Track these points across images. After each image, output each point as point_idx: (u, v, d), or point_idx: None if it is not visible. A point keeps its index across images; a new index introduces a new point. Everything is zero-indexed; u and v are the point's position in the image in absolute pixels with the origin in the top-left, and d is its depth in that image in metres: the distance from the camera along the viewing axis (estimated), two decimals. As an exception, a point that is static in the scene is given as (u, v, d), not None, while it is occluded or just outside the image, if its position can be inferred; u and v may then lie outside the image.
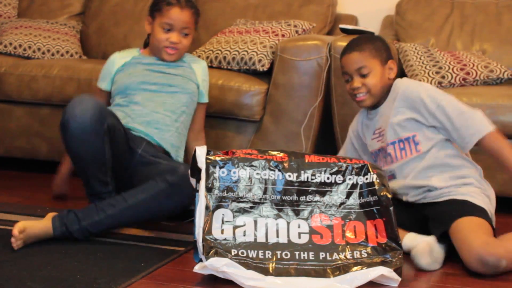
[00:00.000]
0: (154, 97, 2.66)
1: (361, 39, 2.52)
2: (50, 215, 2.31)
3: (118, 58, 2.77)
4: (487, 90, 2.93)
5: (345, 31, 3.03)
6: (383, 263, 2.03)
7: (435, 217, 2.29)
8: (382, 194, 2.12)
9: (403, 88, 2.43)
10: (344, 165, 2.15)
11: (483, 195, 2.33)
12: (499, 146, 2.30)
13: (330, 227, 2.10)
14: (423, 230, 2.27)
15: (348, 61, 2.46)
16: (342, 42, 2.90)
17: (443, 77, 3.00)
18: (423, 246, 2.15)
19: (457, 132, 2.32)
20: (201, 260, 2.00)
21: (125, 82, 2.69)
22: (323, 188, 2.13)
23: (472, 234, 2.15)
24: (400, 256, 2.06)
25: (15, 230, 2.18)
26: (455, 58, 3.12)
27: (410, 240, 2.22)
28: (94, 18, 3.88)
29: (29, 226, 2.22)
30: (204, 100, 2.83)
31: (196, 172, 2.10)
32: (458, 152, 2.38)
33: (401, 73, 3.08)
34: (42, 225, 2.26)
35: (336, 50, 2.90)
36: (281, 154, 2.15)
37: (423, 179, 2.35)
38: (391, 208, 2.11)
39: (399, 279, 2.02)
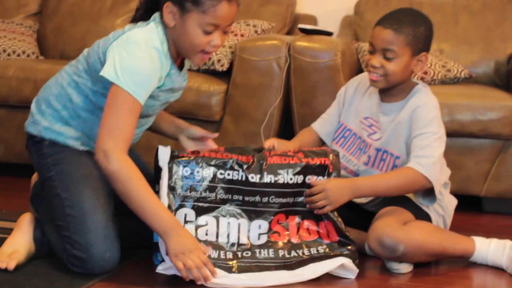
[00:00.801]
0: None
1: (406, 17, 2.21)
2: (25, 224, 2.13)
3: (159, 70, 2.03)
4: (445, 89, 2.95)
5: (304, 31, 3.03)
6: (341, 255, 2.06)
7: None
8: None
9: (419, 109, 2.22)
10: (305, 164, 2.14)
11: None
12: (395, 174, 2.19)
13: (286, 226, 2.11)
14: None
15: (379, 35, 2.20)
16: (301, 42, 2.91)
17: (401, 76, 3.02)
18: None
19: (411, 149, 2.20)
20: (163, 261, 1.99)
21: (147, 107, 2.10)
22: (285, 189, 2.12)
23: (381, 217, 2.17)
24: (354, 249, 2.10)
25: (11, 266, 2.00)
26: (413, 58, 3.14)
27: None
28: (51, 18, 3.82)
29: (20, 260, 2.05)
30: None
31: (157, 172, 2.08)
32: None
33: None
34: (29, 252, 2.09)
35: (295, 50, 2.90)
36: (246, 155, 2.13)
37: None
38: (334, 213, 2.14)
39: (357, 270, 2.04)
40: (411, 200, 2.25)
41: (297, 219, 2.13)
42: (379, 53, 2.20)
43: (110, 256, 1.99)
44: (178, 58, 2.14)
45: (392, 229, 2.10)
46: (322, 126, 2.47)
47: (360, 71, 3.13)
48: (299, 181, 2.13)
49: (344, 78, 2.84)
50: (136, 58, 1.97)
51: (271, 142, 2.33)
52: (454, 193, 2.42)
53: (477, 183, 2.87)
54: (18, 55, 3.54)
